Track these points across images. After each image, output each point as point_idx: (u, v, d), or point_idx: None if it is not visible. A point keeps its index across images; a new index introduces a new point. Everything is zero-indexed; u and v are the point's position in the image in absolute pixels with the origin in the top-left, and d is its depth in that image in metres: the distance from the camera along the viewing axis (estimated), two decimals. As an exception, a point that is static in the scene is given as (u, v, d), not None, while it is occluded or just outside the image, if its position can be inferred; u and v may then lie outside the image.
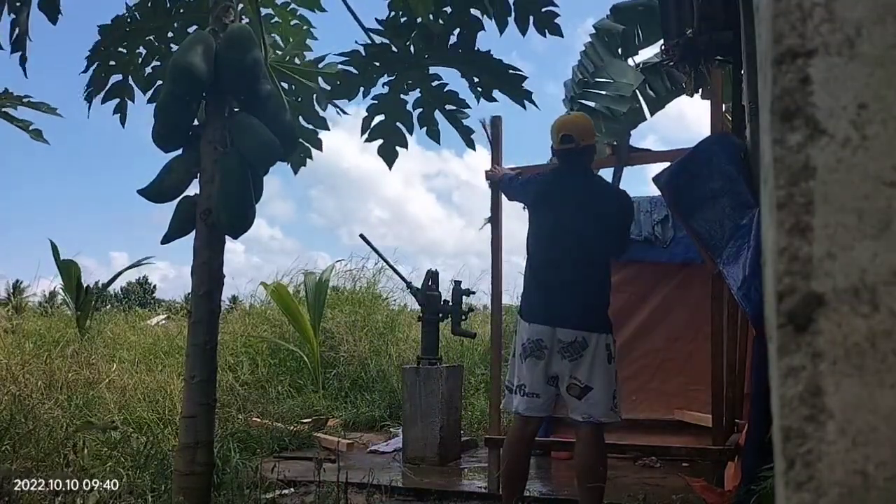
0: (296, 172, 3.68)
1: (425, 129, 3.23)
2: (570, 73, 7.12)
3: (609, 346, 2.97)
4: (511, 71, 3.02)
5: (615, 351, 3.04)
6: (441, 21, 2.92)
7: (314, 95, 3.53)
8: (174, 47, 3.33)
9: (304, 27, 3.55)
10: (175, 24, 3.30)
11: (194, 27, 3.27)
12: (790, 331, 0.54)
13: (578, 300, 2.96)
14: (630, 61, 7.04)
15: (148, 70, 3.41)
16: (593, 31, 6.92)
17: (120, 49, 3.27)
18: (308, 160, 3.70)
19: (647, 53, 7.06)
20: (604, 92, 6.74)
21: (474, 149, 3.46)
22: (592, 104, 6.76)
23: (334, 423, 5.85)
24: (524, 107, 3.08)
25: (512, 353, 3.18)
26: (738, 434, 3.59)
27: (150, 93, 3.45)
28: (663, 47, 3.85)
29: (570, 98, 6.95)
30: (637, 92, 7.13)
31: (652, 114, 7.24)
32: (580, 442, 2.96)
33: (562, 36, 2.88)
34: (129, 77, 3.38)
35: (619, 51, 6.89)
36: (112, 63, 3.29)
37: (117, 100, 3.40)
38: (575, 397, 2.92)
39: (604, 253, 3.10)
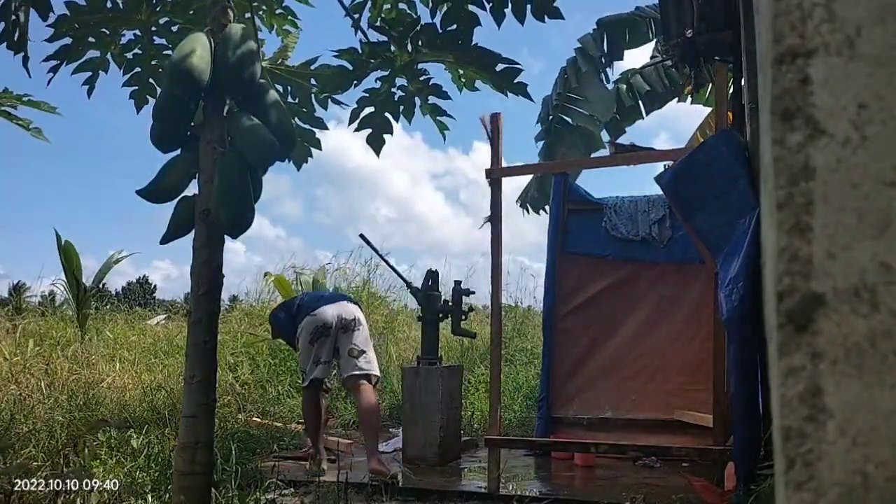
0: (299, 168, 3.69)
1: (402, 108, 3.26)
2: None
3: (364, 319, 4.49)
4: (503, 65, 3.00)
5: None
6: (433, 17, 2.89)
7: (311, 95, 3.52)
8: (157, 40, 3.33)
9: (289, 17, 3.54)
10: (160, 21, 3.29)
11: (177, 27, 3.27)
12: (790, 331, 0.54)
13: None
14: (611, 72, 7.11)
15: (129, 56, 3.40)
16: (578, 46, 6.94)
17: (103, 30, 3.26)
18: (316, 160, 3.72)
19: (633, 55, 7.18)
20: (582, 111, 6.82)
21: (444, 139, 3.57)
22: (570, 120, 6.86)
23: (334, 423, 5.85)
24: (506, 95, 3.08)
25: (302, 342, 4.31)
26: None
27: (126, 77, 3.45)
28: (663, 47, 3.85)
29: (548, 110, 6.95)
30: (635, 93, 7.14)
31: (648, 113, 7.25)
32: (362, 391, 4.23)
33: (563, 19, 2.87)
34: (108, 53, 3.36)
35: (603, 60, 6.93)
36: (91, 40, 3.28)
37: (89, 73, 3.38)
38: (354, 358, 4.25)
39: None
